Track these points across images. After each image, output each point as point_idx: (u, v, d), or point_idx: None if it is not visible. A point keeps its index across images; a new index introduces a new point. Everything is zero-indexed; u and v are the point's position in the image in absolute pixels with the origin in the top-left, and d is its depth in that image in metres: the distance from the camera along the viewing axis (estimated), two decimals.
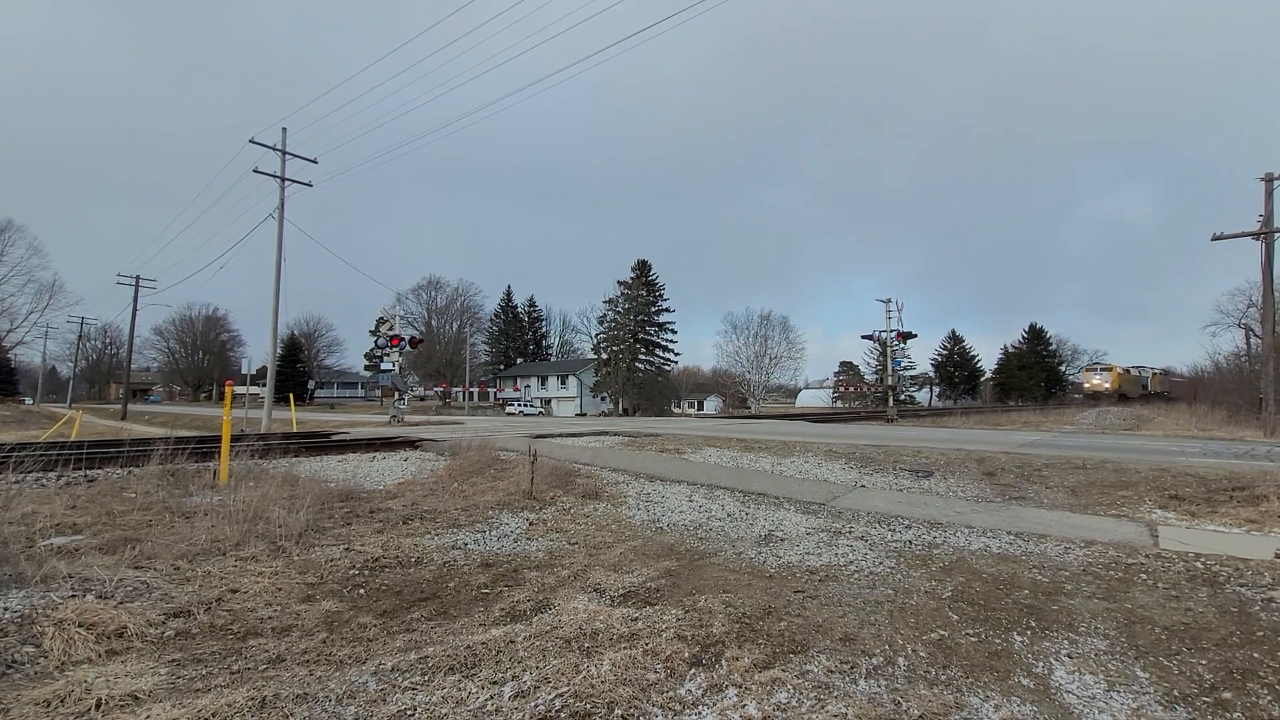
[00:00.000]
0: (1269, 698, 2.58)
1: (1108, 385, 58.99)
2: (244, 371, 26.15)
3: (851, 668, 2.83)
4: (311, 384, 79.52)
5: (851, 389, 77.81)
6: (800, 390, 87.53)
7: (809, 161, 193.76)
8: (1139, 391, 63.81)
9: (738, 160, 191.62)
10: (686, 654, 2.88)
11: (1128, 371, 64.26)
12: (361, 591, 4.07)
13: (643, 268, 63.61)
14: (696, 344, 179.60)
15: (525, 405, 59.70)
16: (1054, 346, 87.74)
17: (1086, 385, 61.88)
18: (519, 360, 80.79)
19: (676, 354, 66.46)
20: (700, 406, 75.10)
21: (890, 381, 28.61)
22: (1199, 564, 4.37)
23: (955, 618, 3.49)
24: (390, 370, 23.66)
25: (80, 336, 63.67)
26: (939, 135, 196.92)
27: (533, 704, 2.44)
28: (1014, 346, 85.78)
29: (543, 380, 72.04)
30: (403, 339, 23.89)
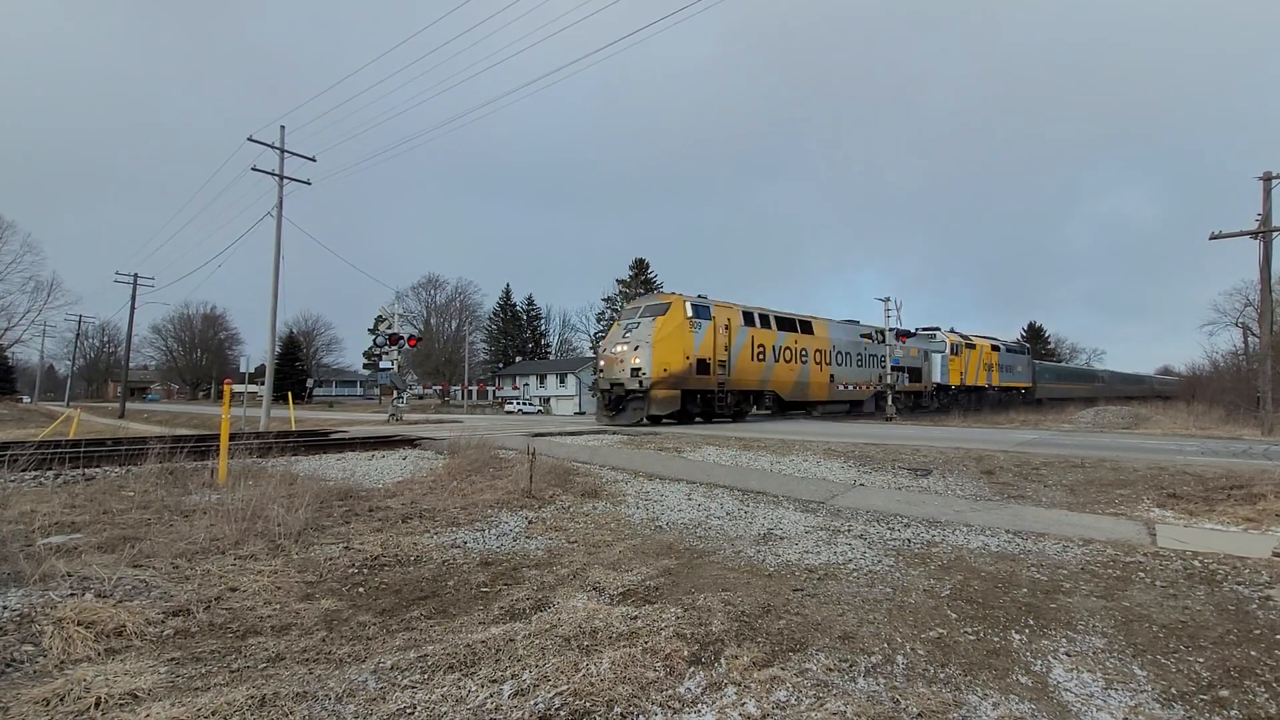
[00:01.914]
0: (1266, 695, 2.59)
1: (638, 364, 17.10)
2: (242, 370, 25.90)
3: (850, 666, 2.83)
4: (310, 382, 79.34)
5: None
6: None
7: (814, 159, 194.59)
8: (846, 394, 25.58)
9: (742, 157, 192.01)
10: (685, 652, 2.88)
11: (784, 326, 22.08)
12: (361, 590, 4.07)
13: (640, 265, 63.75)
14: None
15: (524, 404, 59.68)
16: (1052, 345, 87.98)
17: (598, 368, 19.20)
18: (518, 359, 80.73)
19: None
20: None
21: (889, 380, 28.61)
22: (1196, 562, 4.38)
23: (954, 616, 3.50)
24: (389, 369, 23.61)
25: (78, 335, 63.47)
26: (943, 132, 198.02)
27: (532, 702, 2.44)
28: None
29: (541, 379, 71.98)
30: (401, 337, 23.81)
